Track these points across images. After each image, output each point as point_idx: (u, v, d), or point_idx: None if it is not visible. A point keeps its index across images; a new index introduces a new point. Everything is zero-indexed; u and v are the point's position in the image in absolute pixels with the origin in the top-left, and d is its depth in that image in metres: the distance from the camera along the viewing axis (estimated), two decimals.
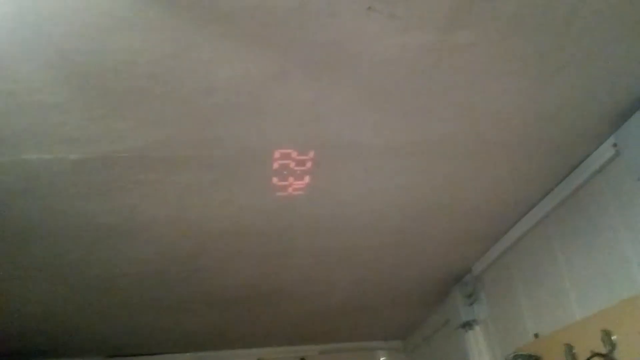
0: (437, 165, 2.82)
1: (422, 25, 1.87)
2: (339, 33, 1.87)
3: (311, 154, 2.61)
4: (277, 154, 2.58)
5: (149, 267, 3.55)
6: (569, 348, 2.95)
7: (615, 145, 2.60)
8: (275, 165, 2.67)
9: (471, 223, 3.54)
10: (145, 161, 2.46)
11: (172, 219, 3.00)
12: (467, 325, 4.22)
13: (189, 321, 4.70)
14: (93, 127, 2.21)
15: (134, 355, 5.40)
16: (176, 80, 2.02)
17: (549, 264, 3.28)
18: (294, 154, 2.60)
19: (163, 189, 2.70)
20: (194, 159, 2.49)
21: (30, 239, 3.05)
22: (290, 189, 2.88)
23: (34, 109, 2.06)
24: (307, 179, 2.81)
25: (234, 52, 1.91)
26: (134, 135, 2.28)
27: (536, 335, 3.40)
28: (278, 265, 3.85)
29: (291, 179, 2.80)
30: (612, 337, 2.62)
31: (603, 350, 2.64)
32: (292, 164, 2.68)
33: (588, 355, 2.73)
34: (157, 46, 1.84)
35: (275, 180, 2.79)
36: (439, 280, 4.45)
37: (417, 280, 4.49)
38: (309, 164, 2.69)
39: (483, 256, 4.02)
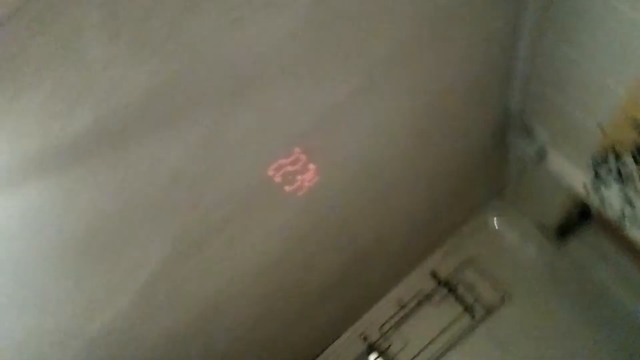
0: (402, 68, 2.73)
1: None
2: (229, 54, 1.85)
3: (297, 150, 2.61)
4: (271, 172, 2.60)
5: (252, 324, 3.74)
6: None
7: None
8: (278, 179, 2.69)
9: (479, 80, 3.43)
10: (178, 262, 2.56)
11: (237, 279, 3.13)
12: (540, 155, 4.13)
13: (316, 317, 4.87)
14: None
15: None
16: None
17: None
18: (284, 161, 2.61)
19: (208, 267, 2.81)
20: (210, 233, 2.57)
21: None
22: (305, 184, 2.90)
23: None
24: (312, 166, 2.82)
25: (166, 152, 1.94)
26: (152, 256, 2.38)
27: (600, 127, 3.28)
28: (350, 234, 3.92)
29: (299, 177, 2.82)
30: None
31: None
32: (290, 168, 2.69)
33: None
34: None
35: (288, 188, 2.82)
36: (490, 138, 4.36)
37: (472, 154, 4.43)
38: (303, 157, 2.70)
39: (510, 93, 3.88)
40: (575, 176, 3.86)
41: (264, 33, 1.87)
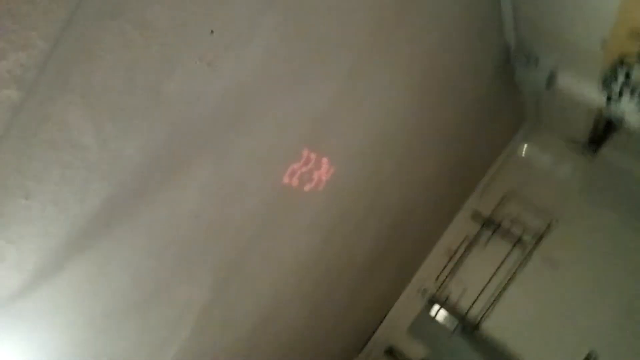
0: (387, 42, 2.74)
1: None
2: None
3: (305, 151, 2.67)
4: (286, 179, 2.68)
5: (310, 314, 3.89)
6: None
7: None
8: (295, 182, 2.76)
9: (469, 23, 3.39)
10: (224, 285, 2.69)
11: (283, 281, 3.27)
12: (550, 79, 4.05)
13: (372, 286, 4.99)
14: None
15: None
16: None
17: None
18: (296, 165, 2.68)
19: (253, 280, 2.94)
20: (244, 252, 2.68)
21: None
22: (323, 178, 2.97)
23: None
24: (324, 160, 2.88)
25: (181, 196, 2.03)
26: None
27: (603, 42, 3.20)
28: (382, 204, 3.99)
29: (315, 173, 2.88)
30: None
31: None
32: (303, 169, 2.76)
33: None
34: None
35: (307, 187, 2.89)
36: (498, 75, 4.31)
37: (486, 95, 4.40)
38: (313, 155, 2.76)
39: (504, 27, 3.80)
40: (589, 94, 3.79)
41: (240, 65, 1.92)
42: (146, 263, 2.15)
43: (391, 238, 4.60)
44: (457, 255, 5.62)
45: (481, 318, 5.41)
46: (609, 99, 3.27)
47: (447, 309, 5.53)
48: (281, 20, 1.95)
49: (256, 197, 2.52)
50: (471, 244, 5.62)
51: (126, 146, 1.73)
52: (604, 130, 5.13)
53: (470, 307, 5.45)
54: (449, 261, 5.62)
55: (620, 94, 3.17)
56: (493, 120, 5.10)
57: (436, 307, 5.54)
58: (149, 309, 2.37)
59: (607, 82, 3.20)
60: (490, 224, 5.57)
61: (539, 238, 5.41)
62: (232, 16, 1.78)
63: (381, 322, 5.71)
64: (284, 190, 2.71)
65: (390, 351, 5.63)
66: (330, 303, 4.27)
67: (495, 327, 5.47)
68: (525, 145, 5.79)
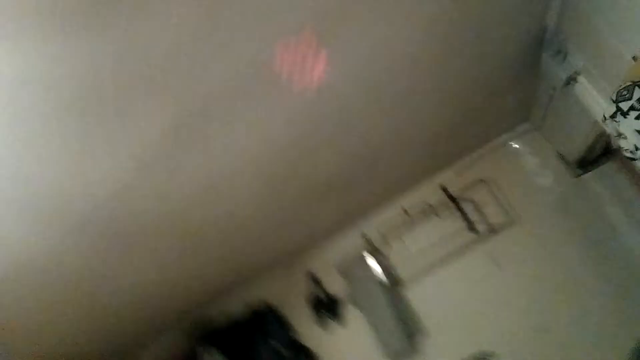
0: None
1: None
2: None
3: (308, 28, 2.54)
4: (277, 58, 2.56)
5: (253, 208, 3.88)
6: None
7: None
8: (285, 68, 2.65)
9: None
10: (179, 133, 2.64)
11: (237, 162, 3.22)
12: (571, 80, 3.96)
13: (320, 208, 4.97)
14: None
15: None
16: None
17: None
18: (293, 40, 2.55)
19: (208, 145, 2.88)
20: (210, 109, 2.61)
21: None
22: (315, 74, 2.85)
23: None
24: (323, 54, 2.76)
25: (159, 33, 1.92)
26: None
27: (634, 58, 3.10)
28: (359, 137, 3.94)
29: (309, 62, 2.75)
30: None
31: None
32: (301, 47, 2.62)
33: None
34: None
35: (295, 77, 2.77)
36: (524, 55, 4.18)
37: (504, 70, 4.29)
38: (314, 39, 2.63)
39: (551, 7, 3.65)
40: (597, 104, 3.74)
41: None
42: (105, 78, 2.05)
43: (355, 172, 4.58)
44: (411, 217, 5.66)
45: (407, 282, 5.53)
46: (614, 113, 3.20)
47: (380, 262, 5.62)
48: None
49: (241, 65, 2.43)
50: (428, 211, 5.65)
51: None
52: (597, 156, 5.14)
53: (403, 268, 5.55)
54: (401, 219, 5.66)
55: (627, 113, 3.10)
56: (500, 102, 5.01)
57: (372, 256, 5.61)
58: (94, 125, 2.29)
59: (620, 95, 3.11)
60: (453, 201, 5.59)
61: (494, 231, 5.47)
62: None
63: (314, 247, 5.79)
64: (271, 71, 2.60)
65: (312, 276, 5.77)
66: (277, 206, 4.28)
67: (417, 296, 5.61)
68: (518, 142, 5.75)
